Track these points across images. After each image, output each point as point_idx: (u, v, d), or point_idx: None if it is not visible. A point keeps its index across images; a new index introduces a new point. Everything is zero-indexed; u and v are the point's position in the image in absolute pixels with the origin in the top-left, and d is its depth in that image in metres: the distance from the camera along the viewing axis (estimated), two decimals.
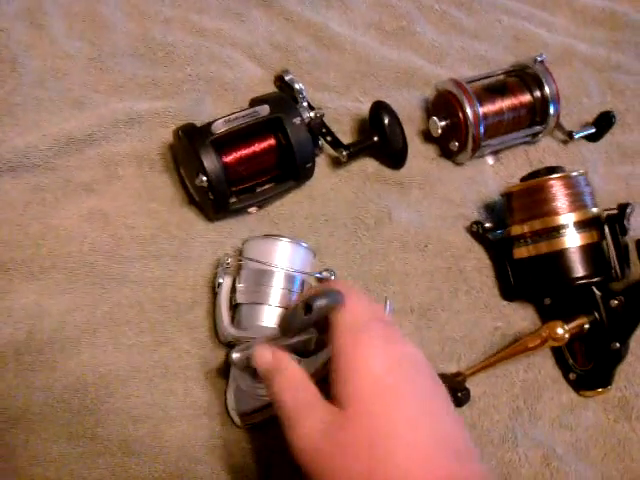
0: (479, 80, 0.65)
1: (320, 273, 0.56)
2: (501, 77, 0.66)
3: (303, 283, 0.53)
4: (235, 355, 0.47)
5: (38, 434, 0.49)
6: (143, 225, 0.57)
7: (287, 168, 0.58)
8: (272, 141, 0.57)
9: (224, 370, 0.53)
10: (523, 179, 0.59)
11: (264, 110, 0.56)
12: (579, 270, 0.54)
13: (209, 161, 0.52)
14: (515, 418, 0.57)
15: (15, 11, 0.65)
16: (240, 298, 0.52)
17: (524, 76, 0.65)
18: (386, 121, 0.59)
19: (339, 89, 0.68)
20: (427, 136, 0.67)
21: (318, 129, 0.59)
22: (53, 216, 0.55)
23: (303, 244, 0.54)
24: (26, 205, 0.55)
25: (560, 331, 0.51)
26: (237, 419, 0.51)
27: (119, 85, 0.63)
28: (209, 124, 0.54)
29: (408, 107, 0.68)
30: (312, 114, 0.58)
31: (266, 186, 0.60)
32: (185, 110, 0.62)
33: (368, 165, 0.64)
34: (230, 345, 0.52)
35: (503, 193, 0.59)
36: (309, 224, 0.61)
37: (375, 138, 0.58)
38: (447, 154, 0.66)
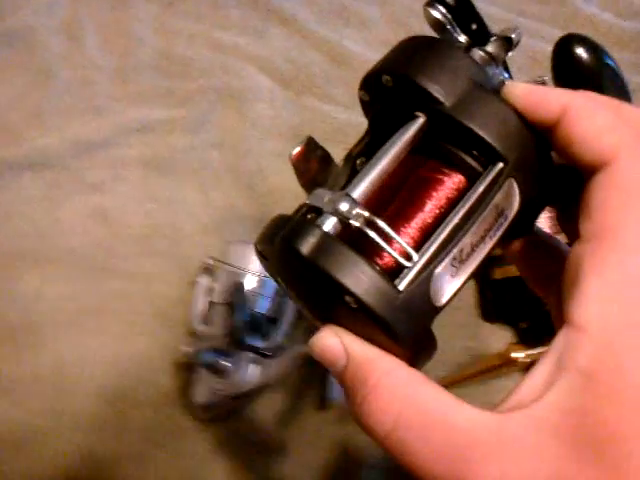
0: None
1: None
2: None
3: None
4: (184, 348, 0.51)
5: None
6: (139, 224, 0.61)
7: None
8: None
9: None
10: None
11: None
12: None
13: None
14: None
15: (56, 25, 0.72)
16: (215, 297, 0.55)
17: None
18: None
19: (347, 103, 0.70)
20: None
21: None
22: (60, 211, 0.61)
23: None
24: (40, 200, 0.61)
25: (519, 355, 0.50)
26: (196, 411, 0.54)
27: (137, 95, 0.68)
28: None
29: None
30: None
31: None
32: (195, 118, 0.66)
33: None
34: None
35: None
36: None
37: None
38: None
